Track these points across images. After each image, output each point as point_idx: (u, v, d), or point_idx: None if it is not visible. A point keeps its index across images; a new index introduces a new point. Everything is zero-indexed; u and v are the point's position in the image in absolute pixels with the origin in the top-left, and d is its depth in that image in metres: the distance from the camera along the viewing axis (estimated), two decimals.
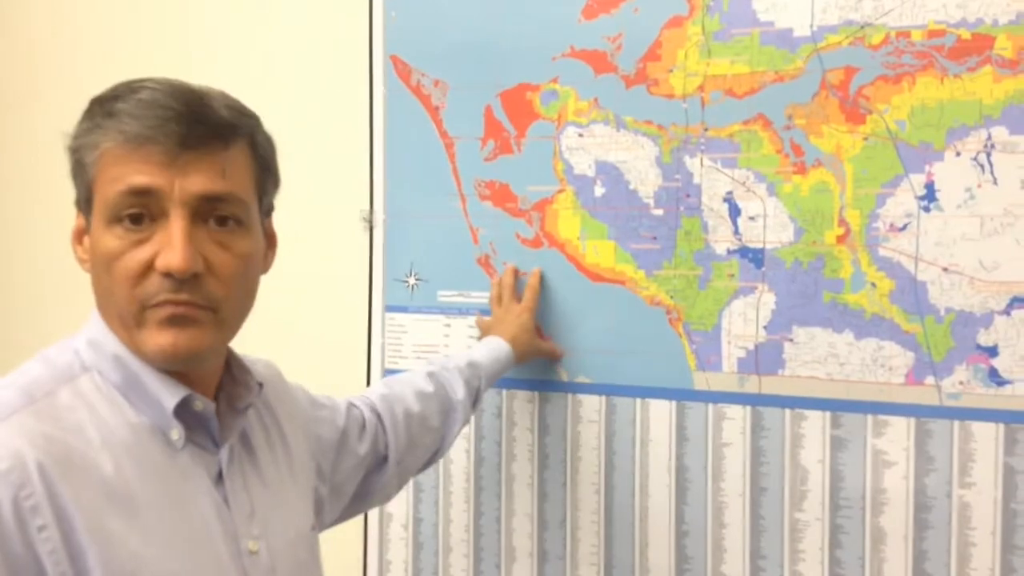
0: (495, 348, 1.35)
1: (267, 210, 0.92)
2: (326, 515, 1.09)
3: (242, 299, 0.87)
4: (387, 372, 1.55)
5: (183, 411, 0.84)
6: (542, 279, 1.44)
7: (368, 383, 1.56)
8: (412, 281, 1.54)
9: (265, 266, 0.93)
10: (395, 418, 1.19)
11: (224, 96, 0.87)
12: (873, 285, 1.28)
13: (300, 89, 1.62)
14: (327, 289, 1.61)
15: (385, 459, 1.17)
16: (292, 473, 0.96)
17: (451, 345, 1.51)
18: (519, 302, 1.43)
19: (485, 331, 1.42)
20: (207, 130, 0.82)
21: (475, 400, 1.30)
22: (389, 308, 1.55)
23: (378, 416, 1.18)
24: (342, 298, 1.58)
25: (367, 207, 1.55)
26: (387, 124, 1.54)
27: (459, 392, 1.26)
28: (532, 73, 1.45)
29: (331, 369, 1.56)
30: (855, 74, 1.27)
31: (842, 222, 1.29)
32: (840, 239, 1.29)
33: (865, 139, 1.27)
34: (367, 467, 1.15)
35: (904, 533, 1.26)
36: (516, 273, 1.46)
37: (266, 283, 0.92)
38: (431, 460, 1.27)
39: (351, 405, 1.15)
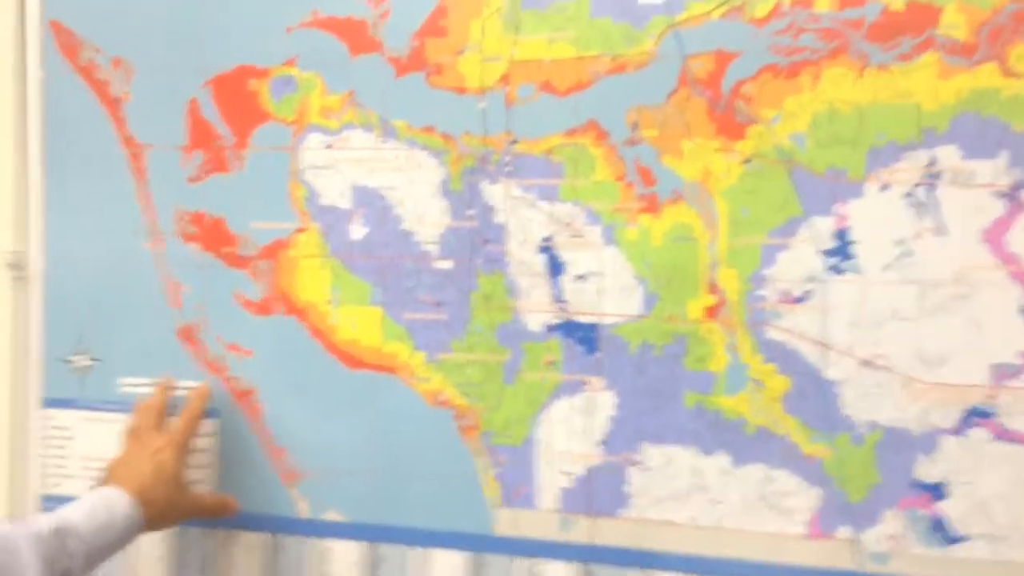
0: (107, 506, 0.84)
1: None
2: None
3: None
4: (45, 501, 1.03)
5: None
6: (209, 397, 0.95)
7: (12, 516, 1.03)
8: (82, 361, 1.02)
9: None
10: None
11: None
12: (758, 383, 0.84)
13: None
14: None
15: None
16: None
17: None
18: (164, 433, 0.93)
19: (107, 476, 0.91)
20: None
21: None
22: (48, 402, 1.03)
23: None
24: None
25: (15, 247, 1.03)
26: (45, 123, 1.02)
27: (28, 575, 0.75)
28: (257, 51, 0.96)
29: None
30: (730, 63, 0.84)
31: (713, 287, 0.85)
32: (710, 312, 0.85)
33: (746, 162, 0.84)
34: None
35: None
36: (169, 390, 0.96)
37: None
38: None
39: None
